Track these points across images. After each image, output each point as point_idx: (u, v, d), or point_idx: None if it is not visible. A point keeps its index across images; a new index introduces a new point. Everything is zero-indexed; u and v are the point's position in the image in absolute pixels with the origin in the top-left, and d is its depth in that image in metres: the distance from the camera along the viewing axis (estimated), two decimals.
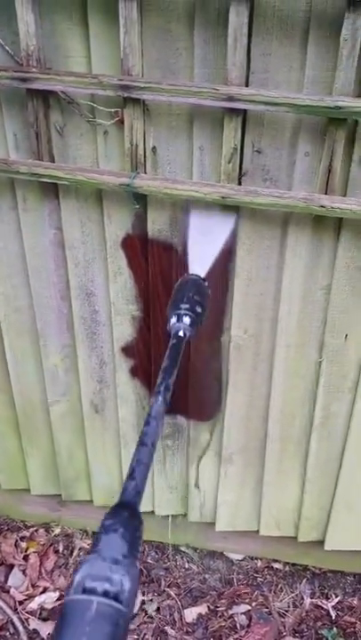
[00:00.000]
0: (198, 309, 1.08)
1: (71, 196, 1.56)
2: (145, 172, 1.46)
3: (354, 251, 1.48)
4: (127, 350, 1.78)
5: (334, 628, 1.93)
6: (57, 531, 2.25)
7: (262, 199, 1.37)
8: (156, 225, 1.54)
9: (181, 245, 1.45)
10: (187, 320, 1.06)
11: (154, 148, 1.46)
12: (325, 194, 1.39)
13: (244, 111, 1.35)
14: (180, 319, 1.06)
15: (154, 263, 1.61)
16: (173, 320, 1.07)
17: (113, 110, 1.41)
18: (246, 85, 1.33)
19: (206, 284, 1.15)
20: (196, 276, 1.18)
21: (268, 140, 1.40)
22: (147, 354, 1.77)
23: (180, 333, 1.04)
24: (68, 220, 1.59)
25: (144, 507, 2.08)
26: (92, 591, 0.64)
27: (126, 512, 0.78)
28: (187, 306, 1.08)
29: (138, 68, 1.34)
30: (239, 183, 1.44)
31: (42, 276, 1.70)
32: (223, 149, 1.39)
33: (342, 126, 1.31)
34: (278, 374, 1.70)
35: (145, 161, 1.45)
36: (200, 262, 1.24)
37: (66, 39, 1.38)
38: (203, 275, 1.18)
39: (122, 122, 1.42)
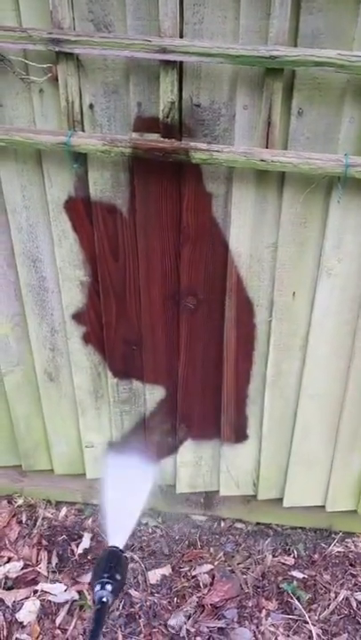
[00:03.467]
0: (118, 577, 1.23)
1: (10, 159, 1.51)
2: (83, 130, 1.42)
3: (297, 206, 1.47)
4: (78, 317, 1.76)
5: (294, 582, 1.97)
6: (20, 501, 2.25)
7: (202, 154, 1.35)
8: (98, 186, 1.51)
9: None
10: (109, 587, 1.20)
11: (91, 105, 1.42)
12: (266, 147, 1.37)
13: (180, 64, 1.32)
14: (103, 587, 1.20)
15: (98, 226, 1.58)
16: (97, 588, 1.21)
17: (46, 66, 1.36)
18: (181, 37, 1.29)
19: (124, 554, 1.33)
20: (116, 548, 1.33)
21: (207, 93, 1.37)
22: (98, 320, 1.75)
23: (104, 599, 1.18)
24: (8, 184, 1.55)
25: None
26: None
27: None
28: (108, 574, 1.22)
29: (68, 21, 1.30)
30: (180, 139, 1.41)
31: None
32: (161, 104, 1.36)
33: (279, 77, 1.29)
34: (230, 336, 1.70)
35: (82, 118, 1.42)
36: (120, 532, 1.38)
37: None
38: (121, 546, 1.34)
39: (56, 78, 1.37)
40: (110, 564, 1.26)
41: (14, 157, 1.51)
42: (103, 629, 1.24)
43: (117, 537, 1.37)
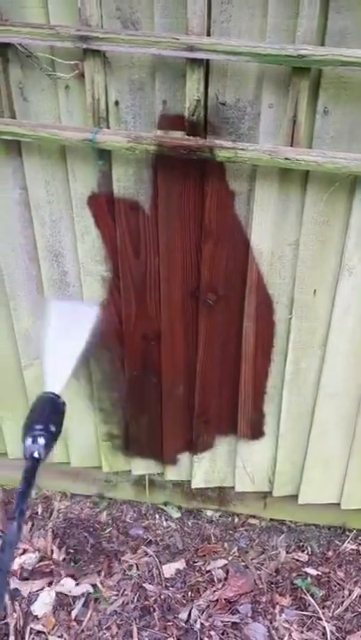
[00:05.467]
0: (53, 428, 1.10)
1: (34, 154, 1.52)
2: (108, 127, 1.43)
3: (320, 205, 1.47)
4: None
5: (308, 578, 1.98)
6: (35, 494, 2.27)
7: (226, 152, 1.35)
8: (122, 182, 1.52)
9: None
10: (41, 441, 1.07)
11: (116, 102, 1.43)
12: (291, 146, 1.37)
13: (207, 62, 1.33)
14: (35, 441, 1.07)
15: (121, 222, 1.59)
16: (29, 442, 1.07)
17: (73, 63, 1.37)
18: (208, 35, 1.30)
19: (61, 400, 1.18)
20: (52, 393, 1.18)
21: (232, 91, 1.38)
22: (118, 315, 1.77)
23: (35, 455, 1.06)
24: (32, 179, 1.56)
25: (119, 465, 2.11)
26: None
27: None
28: (41, 426, 1.09)
29: (96, 18, 1.31)
30: (204, 137, 1.42)
31: (8, 238, 1.67)
32: (187, 102, 1.36)
33: (306, 76, 1.29)
34: (249, 333, 1.71)
35: (108, 115, 1.43)
36: (56, 377, 1.23)
37: None
38: (58, 391, 1.19)
39: (83, 75, 1.38)
40: (44, 414, 1.14)
41: (38, 152, 1.52)
42: (33, 489, 1.10)
43: (54, 382, 1.23)
